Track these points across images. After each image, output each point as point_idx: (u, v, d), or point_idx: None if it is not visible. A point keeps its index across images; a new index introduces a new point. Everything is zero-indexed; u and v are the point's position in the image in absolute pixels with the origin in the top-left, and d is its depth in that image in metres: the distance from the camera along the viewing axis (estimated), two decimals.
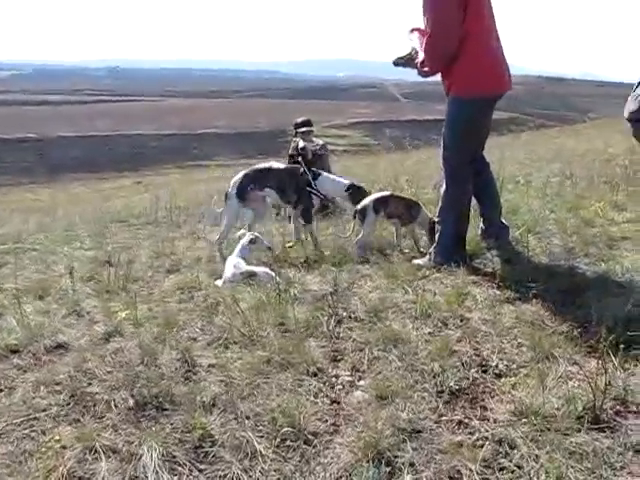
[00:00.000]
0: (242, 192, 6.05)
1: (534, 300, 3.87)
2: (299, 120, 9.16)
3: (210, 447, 2.62)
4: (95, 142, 57.97)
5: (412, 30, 4.84)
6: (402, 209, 5.54)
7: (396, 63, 4.97)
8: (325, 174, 6.14)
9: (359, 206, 5.57)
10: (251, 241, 5.44)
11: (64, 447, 2.64)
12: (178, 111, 77.37)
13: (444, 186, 4.87)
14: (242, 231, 5.67)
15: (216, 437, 2.68)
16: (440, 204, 4.90)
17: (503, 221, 5.19)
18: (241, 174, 6.19)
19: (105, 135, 60.50)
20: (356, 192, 6.00)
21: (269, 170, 6.15)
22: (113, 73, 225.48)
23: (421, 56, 4.72)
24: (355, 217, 5.58)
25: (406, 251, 5.51)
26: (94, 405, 3.00)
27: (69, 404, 3.04)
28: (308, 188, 5.93)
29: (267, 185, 6.05)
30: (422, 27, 4.64)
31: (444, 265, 4.64)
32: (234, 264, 5.14)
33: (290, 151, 8.92)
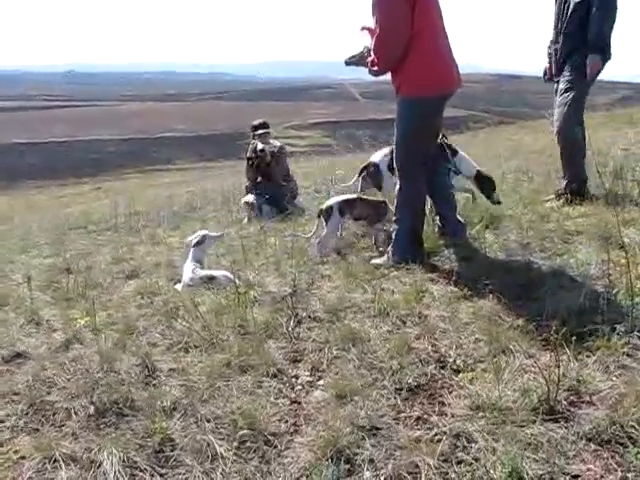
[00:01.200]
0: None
1: (491, 295, 3.91)
2: (256, 122, 9.17)
3: (171, 451, 2.62)
4: (52, 148, 57.30)
5: (362, 28, 4.87)
6: (369, 210, 5.52)
7: (347, 62, 5.00)
8: (462, 153, 6.10)
9: (324, 206, 5.57)
10: (198, 242, 5.40)
11: (23, 457, 2.63)
12: (136, 115, 76.83)
13: (398, 185, 4.91)
14: (191, 237, 5.61)
15: (177, 441, 2.69)
16: (395, 203, 4.95)
17: (459, 218, 5.25)
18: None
19: (62, 141, 59.78)
20: (483, 179, 6.06)
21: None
22: (68, 78, 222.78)
23: (372, 55, 4.74)
24: (319, 216, 5.57)
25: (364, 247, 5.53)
26: (53, 414, 2.99)
27: (28, 414, 3.02)
28: (448, 165, 5.89)
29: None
30: (372, 26, 4.67)
31: (402, 263, 4.68)
32: (192, 269, 5.13)
33: (248, 154, 8.91)
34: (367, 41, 4.83)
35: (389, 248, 4.94)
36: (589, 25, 5.80)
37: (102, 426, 2.85)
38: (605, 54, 5.89)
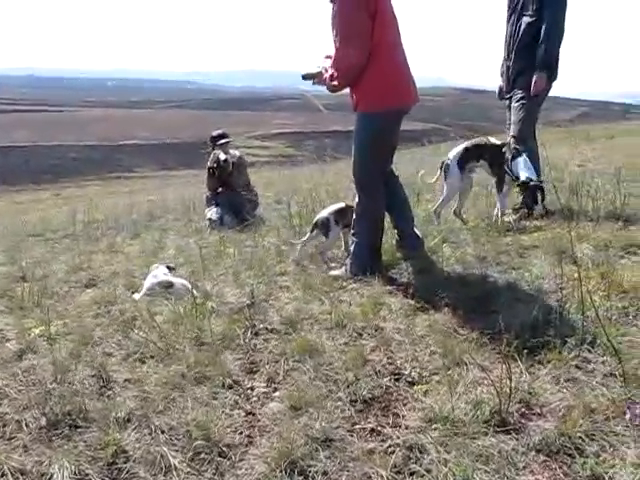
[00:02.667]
0: (462, 163, 6.19)
1: (447, 309, 3.97)
2: (215, 133, 9.22)
3: (124, 463, 2.60)
4: (12, 153, 56.38)
5: (327, 57, 4.91)
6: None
7: (305, 77, 5.02)
8: (523, 157, 6.10)
9: (319, 217, 5.64)
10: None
11: None
12: (99, 122, 76.10)
13: (356, 199, 4.96)
14: (155, 265, 5.56)
15: (130, 453, 2.67)
16: (354, 216, 4.99)
17: (417, 232, 5.30)
18: (461, 147, 6.32)
19: (22, 146, 58.91)
20: (528, 187, 6.08)
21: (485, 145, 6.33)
22: (27, 81, 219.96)
23: (331, 70, 4.76)
24: (313, 230, 5.64)
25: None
26: (4, 426, 2.95)
27: None
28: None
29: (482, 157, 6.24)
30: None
31: (359, 275, 4.71)
32: (154, 274, 5.10)
33: (209, 163, 8.91)
34: (327, 64, 4.87)
35: (347, 260, 4.97)
36: (538, 45, 6.06)
37: (54, 438, 2.82)
38: (552, 73, 6.18)
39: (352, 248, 4.96)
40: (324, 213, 5.67)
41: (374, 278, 4.63)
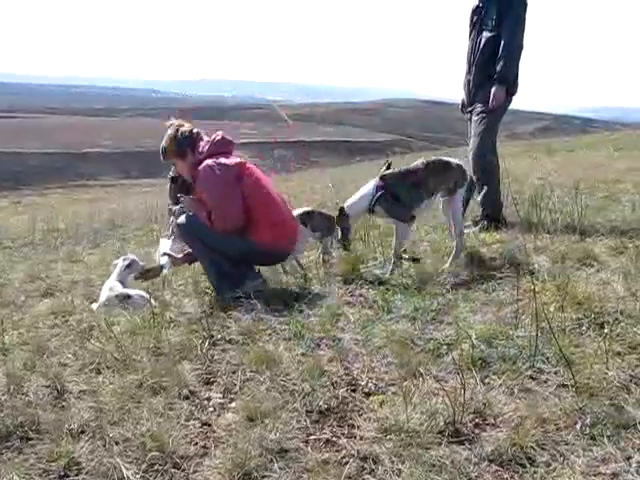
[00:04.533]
0: None
1: (404, 320, 4.00)
2: None
3: (76, 475, 2.58)
4: None
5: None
6: (325, 222, 5.75)
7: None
8: None
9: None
10: (128, 265, 5.36)
11: None
12: (62, 129, 75.27)
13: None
14: (117, 260, 5.56)
15: (83, 464, 2.64)
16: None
17: None
18: None
19: None
20: None
21: None
22: None
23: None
24: None
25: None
26: None
27: None
28: None
29: None
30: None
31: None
32: (110, 287, 5.07)
33: (171, 173, 8.83)
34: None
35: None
36: (497, 59, 6.17)
37: (4, 451, 2.78)
38: (510, 87, 6.30)
39: None
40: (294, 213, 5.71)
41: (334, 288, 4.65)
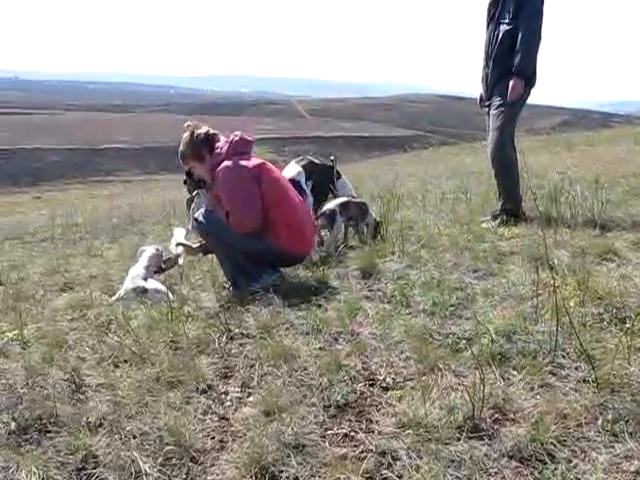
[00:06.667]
0: None
1: (423, 314, 3.98)
2: None
3: (93, 468, 2.57)
4: None
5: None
6: (357, 211, 6.05)
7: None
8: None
9: (325, 210, 5.90)
10: (156, 256, 5.37)
11: None
12: (81, 125, 75.72)
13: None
14: (143, 247, 5.58)
15: (100, 458, 2.63)
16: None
17: None
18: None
19: (4, 149, 58.47)
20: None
21: None
22: (11, 84, 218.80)
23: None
24: (318, 218, 5.88)
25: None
26: None
27: None
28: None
29: None
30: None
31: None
32: (134, 275, 5.06)
33: (187, 167, 8.85)
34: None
35: None
36: (515, 52, 6.11)
37: (23, 443, 2.78)
38: (529, 80, 6.24)
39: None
40: (330, 205, 5.94)
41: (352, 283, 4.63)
